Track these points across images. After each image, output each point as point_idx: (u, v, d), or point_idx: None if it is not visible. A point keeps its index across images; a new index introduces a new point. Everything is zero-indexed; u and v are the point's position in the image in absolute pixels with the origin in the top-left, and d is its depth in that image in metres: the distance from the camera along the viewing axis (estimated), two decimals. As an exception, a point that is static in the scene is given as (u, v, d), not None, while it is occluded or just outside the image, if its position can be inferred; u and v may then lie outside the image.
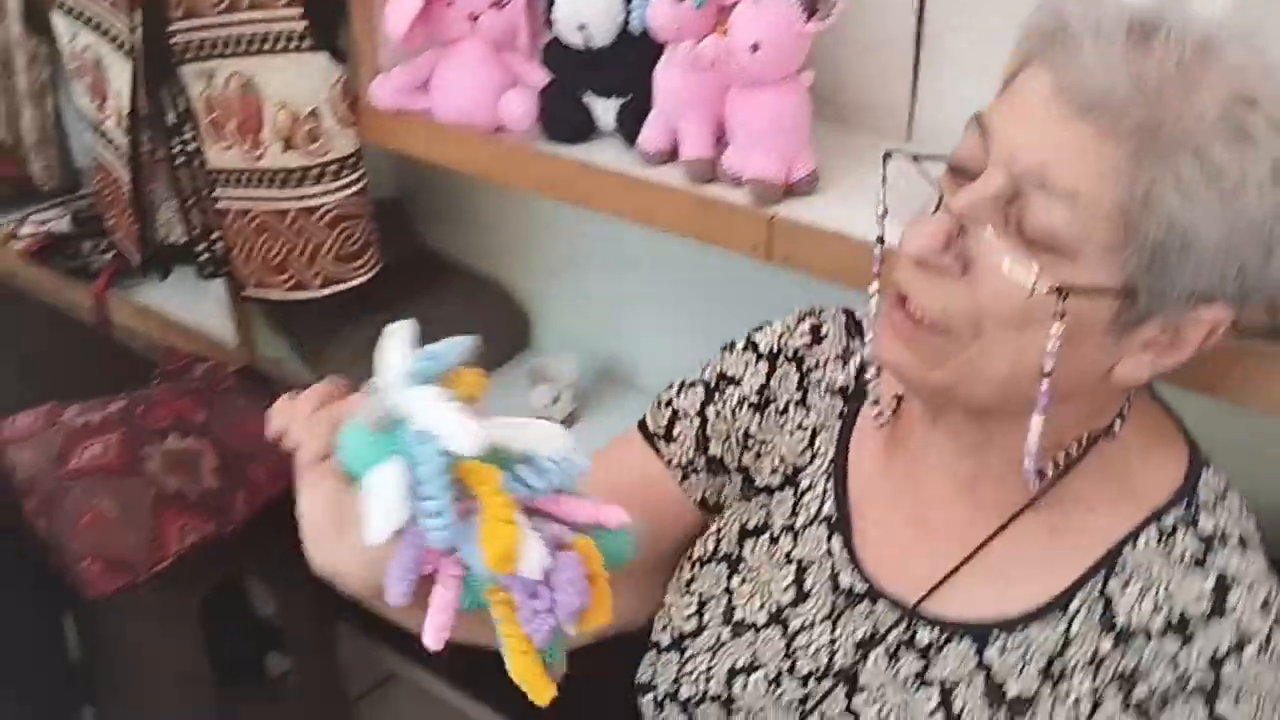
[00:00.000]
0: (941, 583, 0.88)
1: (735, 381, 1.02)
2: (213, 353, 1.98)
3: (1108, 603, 0.82)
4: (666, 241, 1.32)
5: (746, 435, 1.01)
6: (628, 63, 1.31)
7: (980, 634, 0.86)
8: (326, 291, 1.62)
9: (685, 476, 1.03)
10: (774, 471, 0.99)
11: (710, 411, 1.02)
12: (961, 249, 0.76)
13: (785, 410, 1.00)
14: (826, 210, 1.19)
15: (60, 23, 1.78)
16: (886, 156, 0.83)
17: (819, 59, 1.20)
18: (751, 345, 1.03)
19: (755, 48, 1.16)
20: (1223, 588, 0.79)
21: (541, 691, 0.70)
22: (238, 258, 1.66)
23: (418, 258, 1.99)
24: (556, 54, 1.36)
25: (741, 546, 0.99)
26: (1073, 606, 0.83)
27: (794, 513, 0.97)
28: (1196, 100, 0.69)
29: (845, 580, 0.92)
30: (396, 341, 0.76)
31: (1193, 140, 0.69)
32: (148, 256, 1.78)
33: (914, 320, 0.79)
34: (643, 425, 1.05)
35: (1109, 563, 0.83)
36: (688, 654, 0.98)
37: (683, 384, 1.05)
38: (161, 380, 1.96)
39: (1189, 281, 0.72)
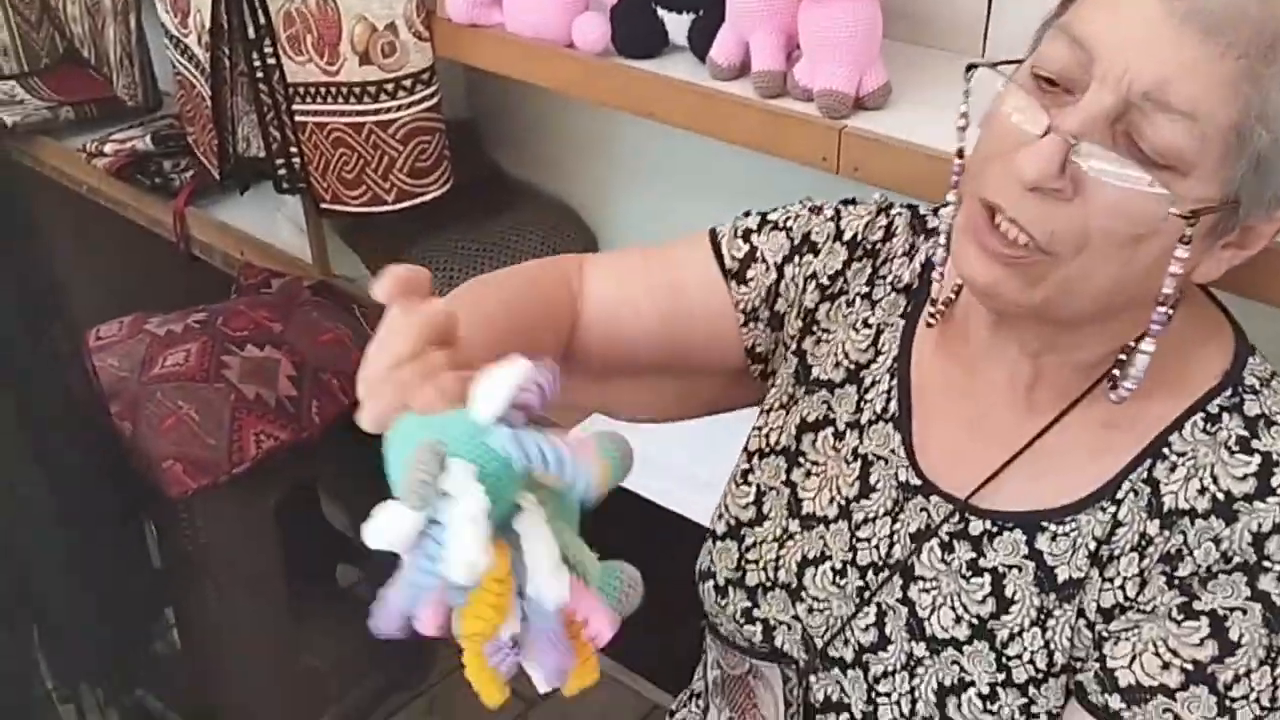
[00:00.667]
0: (992, 478, 0.89)
1: (816, 251, 1.00)
2: (288, 269, 2.03)
3: (1154, 487, 0.83)
4: (733, 159, 1.33)
5: (811, 316, 1.00)
6: (700, -23, 1.32)
7: (1030, 524, 0.87)
8: (400, 206, 1.65)
9: (747, 322, 1.01)
10: (836, 365, 0.99)
11: (789, 270, 1.00)
12: (1076, 171, 0.74)
13: (852, 303, 0.99)
14: (897, 123, 1.19)
15: (143, -61, 1.81)
16: (970, 69, 0.82)
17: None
18: (836, 220, 1.01)
19: (829, -42, 1.16)
20: (1267, 469, 0.80)
21: (492, 695, 0.67)
22: (315, 172, 1.70)
23: (488, 178, 2.02)
24: (629, -32, 1.37)
25: (800, 440, 0.99)
26: (1120, 493, 0.84)
27: (859, 409, 0.97)
28: None
29: (903, 475, 0.93)
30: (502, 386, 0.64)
31: None
32: (228, 170, 1.82)
33: (1009, 242, 0.78)
34: (715, 247, 1.02)
35: (1155, 449, 0.84)
36: (748, 542, 1.00)
37: (764, 220, 1.02)
38: (239, 294, 2.02)
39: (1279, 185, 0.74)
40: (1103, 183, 0.73)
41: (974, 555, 0.89)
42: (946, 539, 0.90)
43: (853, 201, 1.02)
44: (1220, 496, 0.80)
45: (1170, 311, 0.79)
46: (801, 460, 0.99)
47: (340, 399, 1.72)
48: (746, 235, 1.02)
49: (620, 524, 1.68)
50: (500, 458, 0.62)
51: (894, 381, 0.96)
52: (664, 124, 1.33)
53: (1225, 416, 0.83)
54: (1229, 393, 0.83)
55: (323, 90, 1.61)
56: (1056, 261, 0.77)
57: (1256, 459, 0.80)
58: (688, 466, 1.46)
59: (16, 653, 1.62)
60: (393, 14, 1.50)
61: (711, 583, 1.01)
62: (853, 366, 0.99)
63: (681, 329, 1.02)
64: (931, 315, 0.94)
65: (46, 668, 1.66)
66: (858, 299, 0.99)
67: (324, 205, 1.73)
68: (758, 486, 1.01)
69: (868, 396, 0.97)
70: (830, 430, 0.98)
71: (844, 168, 1.19)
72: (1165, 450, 0.83)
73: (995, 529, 0.88)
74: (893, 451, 0.94)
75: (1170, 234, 0.74)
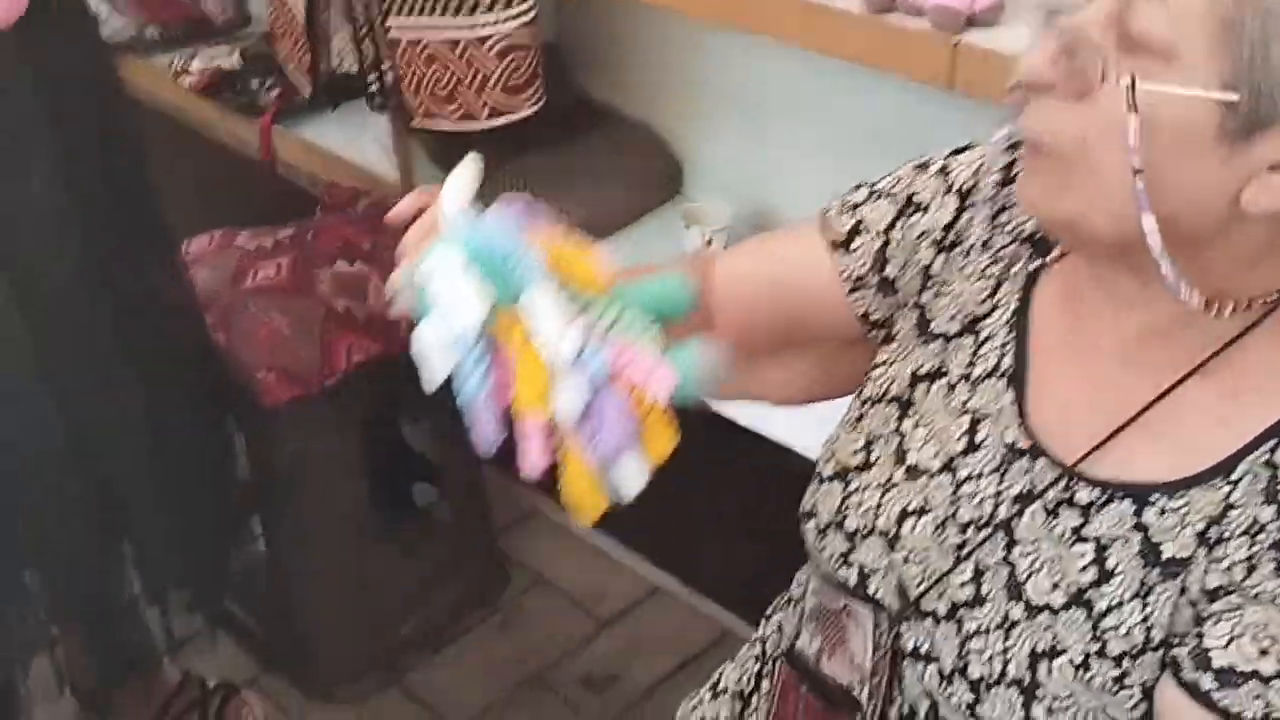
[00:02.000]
0: (1103, 443, 0.86)
1: (923, 209, 0.99)
2: (374, 187, 2.04)
3: (1275, 471, 0.79)
4: (827, 82, 1.31)
5: (927, 272, 0.99)
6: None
7: (1140, 495, 0.84)
8: (494, 123, 1.65)
9: (854, 290, 1.01)
10: (952, 318, 0.97)
11: (895, 234, 1.00)
12: (1077, 70, 0.74)
13: (969, 253, 0.97)
14: (1010, 39, 1.17)
15: None
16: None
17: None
18: (944, 173, 0.99)
19: None
20: None
21: (592, 502, 0.73)
22: (408, 88, 1.70)
23: (574, 103, 2.01)
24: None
25: (913, 389, 0.98)
26: (1237, 473, 0.80)
27: (972, 363, 0.95)
28: None
29: (1010, 435, 0.91)
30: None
31: None
32: (319, 87, 1.83)
33: (1034, 149, 0.79)
34: (824, 220, 1.03)
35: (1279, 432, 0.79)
36: (852, 487, 0.99)
37: (872, 191, 1.02)
38: (325, 213, 2.03)
39: None
40: (1096, 77, 0.73)
41: (1080, 522, 0.86)
42: (1052, 505, 0.88)
43: (964, 149, 1.00)
44: None
45: (1165, 255, 0.76)
46: (912, 410, 0.97)
47: (428, 317, 1.73)
48: (854, 208, 1.02)
49: (709, 450, 1.68)
50: (481, 241, 0.76)
51: (1011, 335, 0.94)
52: (773, 39, 1.32)
53: None
54: None
55: (418, 4, 1.61)
56: (1069, 165, 0.77)
57: None
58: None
59: (107, 555, 1.65)
60: (489, -71, 1.50)
61: (813, 523, 1.01)
62: (969, 319, 0.96)
63: (795, 301, 1.04)
64: (1048, 262, 0.92)
65: (134, 571, 1.70)
66: (974, 249, 0.97)
67: (415, 123, 1.73)
68: (868, 432, 0.99)
69: (982, 350, 0.95)
70: (944, 381, 0.96)
71: (959, 83, 1.17)
72: None
73: (1103, 498, 0.86)
74: (1001, 410, 0.92)
75: (1179, 135, 0.73)
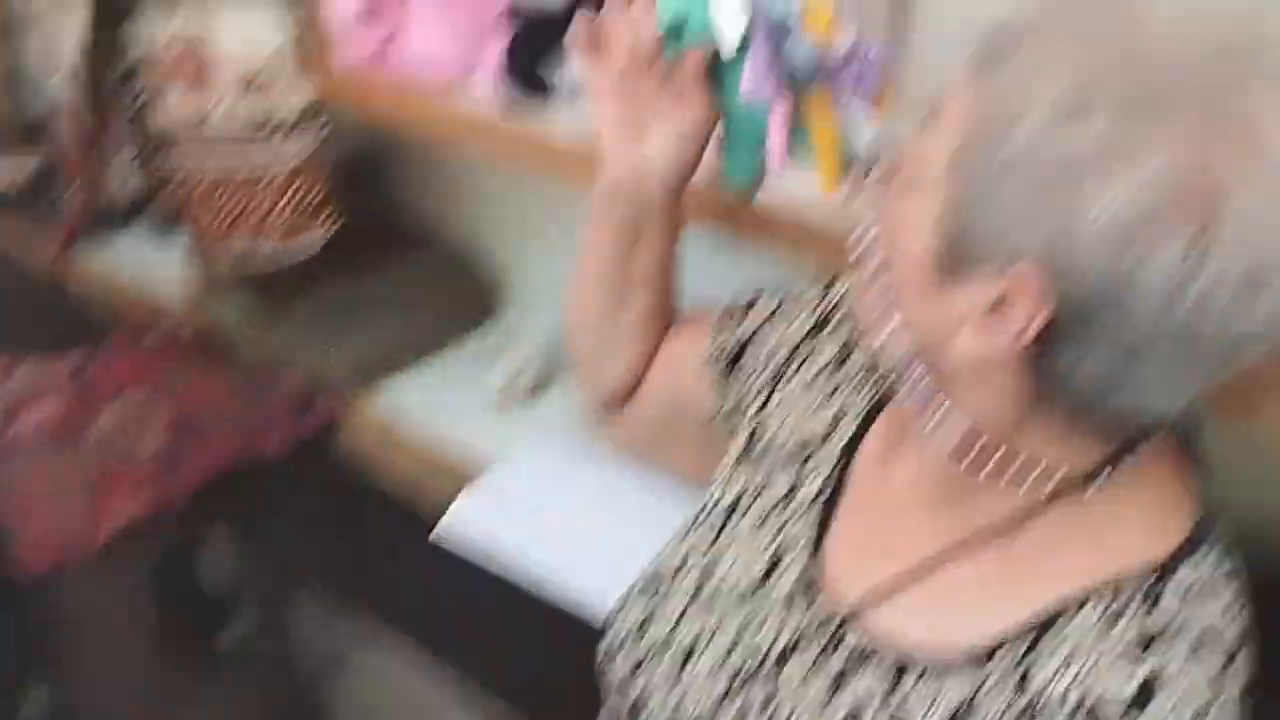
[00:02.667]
0: (878, 598, 0.83)
1: (793, 318, 1.03)
2: (168, 314, 1.93)
3: (1029, 666, 0.75)
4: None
5: (774, 384, 1.00)
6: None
7: (901, 663, 0.81)
8: (282, 249, 1.57)
9: (714, 373, 1.07)
10: (785, 441, 0.97)
11: (764, 331, 1.04)
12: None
13: (818, 375, 0.98)
14: (799, 191, 1.13)
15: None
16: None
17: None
18: (828, 287, 1.03)
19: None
20: (1149, 688, 0.71)
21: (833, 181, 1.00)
22: (193, 213, 1.62)
23: (381, 221, 1.94)
24: (524, 10, 1.31)
25: (735, 508, 0.97)
26: (991, 663, 0.77)
27: (792, 490, 0.94)
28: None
29: (797, 570, 0.90)
30: None
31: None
32: (104, 210, 1.75)
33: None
34: (724, 309, 1.10)
35: (1045, 624, 0.76)
36: (659, 600, 0.97)
37: (773, 291, 1.08)
38: (115, 340, 1.92)
39: (996, 232, 0.68)
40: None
41: (840, 671, 0.83)
42: (820, 648, 0.85)
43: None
44: (1092, 701, 0.72)
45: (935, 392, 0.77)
46: (728, 531, 0.96)
47: (217, 459, 1.63)
48: (750, 301, 1.08)
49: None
50: None
51: (835, 470, 0.92)
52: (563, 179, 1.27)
53: (1130, 610, 0.74)
54: (1146, 587, 0.75)
55: (200, 130, 1.53)
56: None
57: (1144, 672, 0.71)
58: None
59: None
60: (273, 54, 1.42)
61: (614, 631, 0.99)
62: (801, 444, 0.95)
63: (674, 380, 1.12)
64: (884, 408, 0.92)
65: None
66: (826, 371, 0.97)
67: (202, 250, 1.64)
68: (689, 546, 0.98)
69: (806, 480, 0.93)
70: (762, 504, 0.95)
71: (745, 232, 1.13)
72: (1054, 628, 0.75)
73: (864, 654, 0.83)
74: (802, 543, 0.90)
75: (911, 263, 0.75)
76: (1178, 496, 0.79)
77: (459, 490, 1.52)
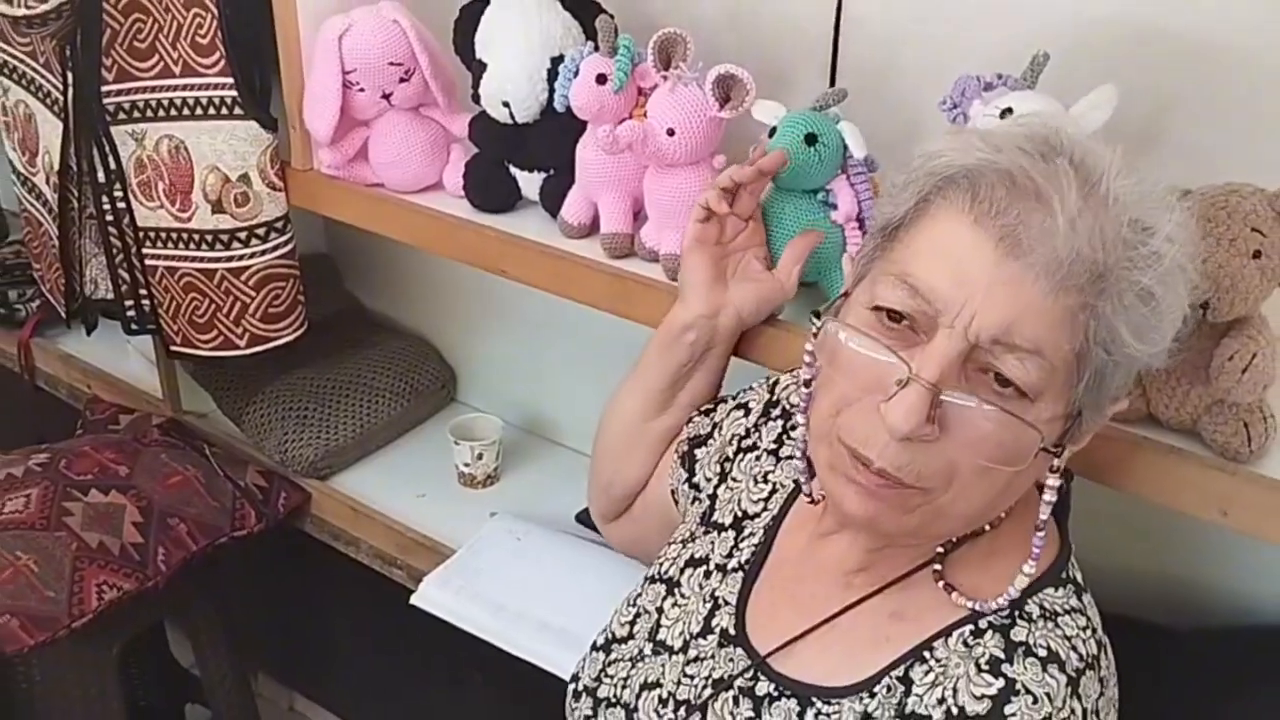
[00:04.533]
0: (791, 643, 0.94)
1: (747, 411, 1.13)
2: (137, 404, 1.99)
3: (907, 688, 0.86)
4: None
5: (726, 467, 1.10)
6: (551, 138, 1.36)
7: (804, 696, 0.91)
8: (252, 351, 1.63)
9: (675, 460, 1.18)
10: (730, 512, 1.07)
11: (723, 424, 1.14)
12: (941, 415, 0.78)
13: (760, 458, 1.08)
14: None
15: (-9, 77, 1.79)
16: (815, 315, 0.86)
17: (734, 142, 1.25)
18: (775, 383, 1.13)
19: (671, 132, 1.22)
20: (1005, 695, 0.81)
21: None
22: (165, 315, 1.68)
23: (345, 312, 2.02)
24: (483, 127, 1.40)
25: (683, 574, 1.06)
26: (878, 687, 0.88)
27: (730, 554, 1.04)
28: (1106, 232, 0.75)
29: (725, 622, 0.99)
30: None
31: (1127, 278, 0.75)
32: (74, 309, 1.79)
33: (884, 480, 0.81)
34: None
35: (920, 651, 0.87)
36: (612, 656, 1.05)
37: (729, 396, 1.18)
38: (85, 430, 1.97)
39: (1115, 390, 0.80)
40: (964, 420, 0.77)
41: (752, 715, 0.93)
42: (739, 692, 0.95)
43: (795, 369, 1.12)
44: (954, 710, 0.82)
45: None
46: (675, 591, 1.05)
47: (189, 544, 1.69)
48: (717, 401, 1.19)
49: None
50: None
51: (764, 538, 1.03)
52: (515, 281, 1.37)
53: (989, 634, 0.85)
54: (1005, 613, 0.86)
55: (174, 236, 1.60)
56: (929, 494, 0.82)
57: (1000, 683, 0.82)
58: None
59: None
60: (246, 165, 1.51)
61: (573, 686, 1.07)
62: (741, 515, 1.06)
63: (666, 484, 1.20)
64: (808, 496, 1.00)
65: None
66: (765, 454, 1.07)
67: (173, 348, 1.70)
68: (639, 608, 1.07)
69: (741, 545, 1.04)
70: (703, 569, 1.05)
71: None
72: (927, 654, 0.87)
73: (776, 693, 0.93)
74: (731, 601, 1.00)
75: (1028, 453, 0.79)
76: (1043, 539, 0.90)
77: (427, 565, 1.59)
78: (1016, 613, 0.86)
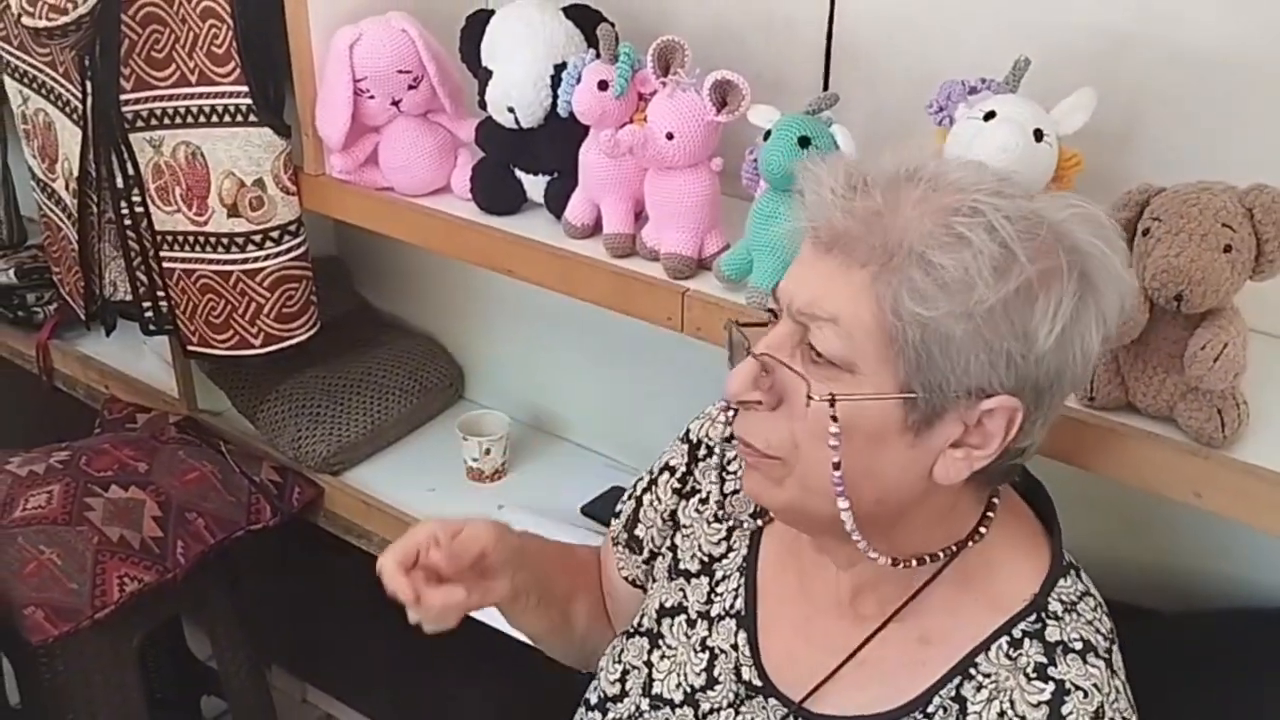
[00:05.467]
0: (823, 683, 0.98)
1: (670, 469, 1.15)
2: (154, 403, 2.04)
3: (962, 705, 0.91)
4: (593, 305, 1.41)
5: (674, 517, 1.13)
6: (555, 142, 1.41)
7: None
8: (267, 350, 1.69)
9: (616, 546, 1.18)
10: (693, 557, 1.10)
11: (646, 498, 1.16)
12: (773, 385, 0.88)
13: (706, 501, 1.11)
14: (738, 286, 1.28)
15: (11, 87, 1.84)
16: (731, 325, 0.94)
17: (730, 145, 1.30)
18: (686, 432, 1.15)
19: (670, 136, 1.27)
20: (1059, 698, 0.88)
21: None
22: (182, 316, 1.73)
23: (356, 313, 2.07)
24: (489, 131, 1.45)
25: (660, 624, 1.09)
26: (931, 706, 0.92)
27: (709, 601, 1.07)
28: (914, 221, 0.82)
29: (746, 674, 1.02)
30: None
31: (915, 252, 0.81)
32: (94, 311, 1.84)
33: (750, 450, 0.91)
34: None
35: (964, 668, 0.92)
36: (610, 716, 1.08)
37: (645, 473, 1.18)
38: (103, 429, 2.02)
39: (961, 377, 0.82)
40: (792, 390, 0.86)
41: None
42: None
43: (701, 414, 1.16)
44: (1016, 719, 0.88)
45: (856, 530, 0.89)
46: (660, 643, 1.09)
47: (206, 538, 1.74)
48: (623, 495, 1.21)
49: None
50: None
51: (742, 580, 1.06)
52: (522, 280, 1.42)
53: (1027, 642, 0.91)
54: (1033, 617, 0.92)
55: (191, 239, 1.66)
56: (785, 464, 0.89)
57: (1051, 686, 0.88)
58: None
59: None
60: (260, 170, 1.56)
61: None
62: (706, 559, 1.09)
63: (623, 600, 1.20)
64: (765, 517, 1.05)
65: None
66: (710, 495, 1.11)
67: (190, 348, 1.76)
68: (624, 664, 1.10)
69: (718, 590, 1.07)
70: (684, 618, 1.08)
71: (688, 327, 1.28)
72: (973, 670, 0.92)
73: None
74: (734, 648, 1.03)
75: (871, 433, 0.85)
76: (1032, 538, 0.97)
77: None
78: (1042, 612, 0.92)
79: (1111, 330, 0.87)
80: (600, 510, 1.69)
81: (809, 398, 0.84)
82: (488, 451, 1.81)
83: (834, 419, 0.84)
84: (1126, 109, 1.17)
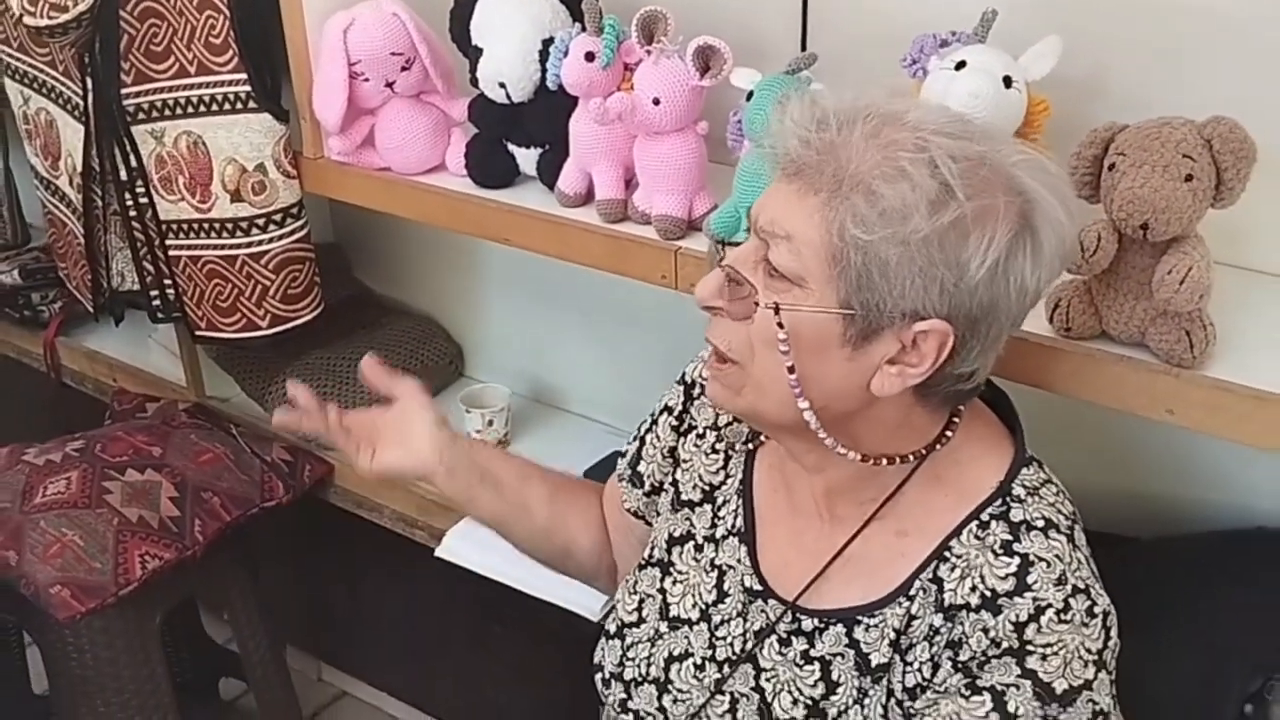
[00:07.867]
0: (813, 581, 1.06)
1: (669, 410, 1.22)
2: (162, 393, 2.09)
3: (939, 585, 0.99)
4: (586, 275, 1.47)
5: (673, 452, 1.21)
6: (545, 116, 1.46)
7: (849, 619, 1.04)
8: (274, 331, 1.74)
9: (621, 481, 1.26)
10: (695, 488, 1.18)
11: (649, 437, 1.24)
12: (739, 296, 0.96)
13: (703, 435, 1.19)
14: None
15: (12, 88, 1.89)
16: (711, 239, 1.04)
17: (715, 108, 1.36)
18: (682, 375, 1.22)
19: (656, 101, 1.32)
20: (1025, 568, 0.95)
21: None
22: (189, 302, 1.78)
23: (355, 297, 2.12)
24: (481, 108, 1.51)
25: (670, 553, 1.17)
26: (913, 590, 1.01)
27: (713, 525, 1.15)
28: (864, 154, 0.90)
29: (748, 581, 1.11)
30: None
31: (862, 182, 0.88)
32: (102, 303, 1.89)
33: (717, 357, 1.00)
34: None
35: (939, 553, 1.00)
36: (629, 642, 1.16)
37: (650, 416, 1.25)
38: (114, 420, 2.07)
39: (897, 299, 0.90)
40: (752, 304, 0.95)
41: (806, 647, 1.06)
42: (784, 635, 1.07)
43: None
44: (987, 593, 0.96)
45: (822, 429, 0.97)
46: (672, 570, 1.17)
47: (222, 516, 1.79)
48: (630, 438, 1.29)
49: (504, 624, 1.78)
50: None
51: (740, 501, 1.14)
52: (519, 249, 1.47)
53: (994, 523, 0.99)
54: (999, 502, 1.00)
55: (195, 226, 1.71)
56: (742, 370, 0.98)
57: (1016, 560, 0.96)
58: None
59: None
60: (261, 155, 1.61)
61: (600, 675, 1.19)
62: (707, 488, 1.18)
63: (626, 532, 1.30)
64: (746, 442, 1.13)
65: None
66: (706, 430, 1.19)
67: (199, 333, 1.81)
68: (640, 593, 1.18)
69: (720, 514, 1.16)
70: (692, 544, 1.16)
71: (681, 284, 1.33)
72: (947, 554, 1.00)
73: (822, 625, 1.05)
74: (739, 561, 1.12)
75: (813, 342, 0.93)
76: (997, 436, 1.05)
77: (447, 524, 1.70)
78: (1006, 497, 1.00)
79: (1054, 271, 0.94)
80: (602, 474, 1.72)
81: (755, 304, 0.94)
82: (490, 423, 1.87)
83: (780, 325, 0.93)
84: (1093, 56, 1.22)
